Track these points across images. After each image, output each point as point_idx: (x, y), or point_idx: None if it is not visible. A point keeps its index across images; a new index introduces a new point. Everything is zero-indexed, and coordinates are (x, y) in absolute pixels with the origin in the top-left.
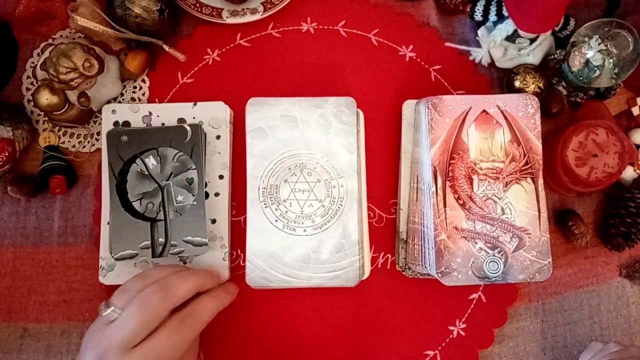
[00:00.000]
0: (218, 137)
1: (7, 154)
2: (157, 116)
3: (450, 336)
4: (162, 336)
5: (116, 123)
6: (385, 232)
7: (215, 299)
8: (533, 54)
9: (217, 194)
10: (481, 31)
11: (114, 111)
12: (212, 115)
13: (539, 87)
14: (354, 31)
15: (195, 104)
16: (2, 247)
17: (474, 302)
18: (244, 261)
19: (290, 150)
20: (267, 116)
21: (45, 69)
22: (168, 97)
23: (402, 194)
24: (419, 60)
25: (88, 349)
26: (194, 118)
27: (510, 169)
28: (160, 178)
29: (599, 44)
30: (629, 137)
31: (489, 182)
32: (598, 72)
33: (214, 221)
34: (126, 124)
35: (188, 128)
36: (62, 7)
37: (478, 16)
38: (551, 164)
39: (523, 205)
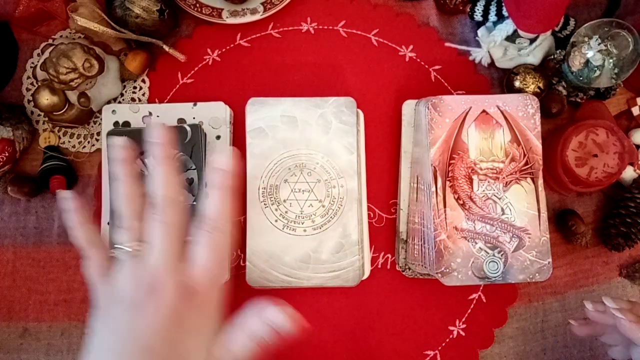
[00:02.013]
0: (218, 137)
1: (7, 154)
2: (157, 116)
3: (450, 336)
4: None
5: (116, 123)
6: (385, 232)
7: (226, 200)
8: (533, 54)
9: None
10: (481, 31)
11: (114, 111)
12: (212, 115)
13: (539, 87)
14: (354, 31)
15: (195, 104)
16: (2, 247)
17: (474, 302)
18: (244, 261)
19: (290, 150)
20: (267, 116)
21: (45, 69)
22: (168, 97)
23: (402, 194)
24: (419, 60)
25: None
26: (194, 118)
27: (510, 169)
28: None
29: (599, 44)
30: (629, 137)
31: (488, 182)
32: (598, 72)
33: None
34: (126, 124)
35: (188, 128)
36: (62, 7)
37: (478, 16)
38: (551, 164)
39: (523, 205)
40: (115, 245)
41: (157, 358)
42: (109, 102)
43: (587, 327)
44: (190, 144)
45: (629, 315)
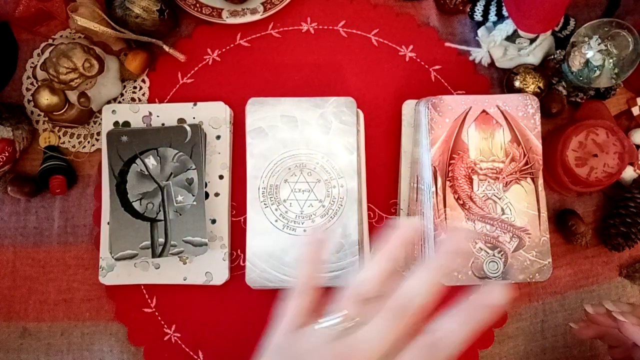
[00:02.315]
0: (218, 137)
1: (7, 154)
2: (157, 116)
3: None
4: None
5: (116, 123)
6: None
7: (469, 322)
8: (533, 54)
9: (217, 194)
10: (481, 31)
11: (114, 111)
12: (212, 115)
13: (539, 87)
14: (354, 31)
15: (195, 104)
16: (2, 247)
17: None
18: (244, 261)
19: (290, 150)
20: (267, 116)
21: (45, 69)
22: (168, 97)
23: (402, 194)
24: (419, 60)
25: None
26: (194, 118)
27: (510, 169)
28: (160, 178)
29: (599, 44)
30: (629, 137)
31: (489, 182)
32: (598, 72)
33: (214, 221)
34: (126, 124)
35: (188, 128)
36: (62, 7)
37: (478, 16)
38: (551, 164)
39: (523, 205)
40: (332, 315)
41: None
42: (109, 102)
43: (589, 329)
44: (190, 144)
45: (632, 318)
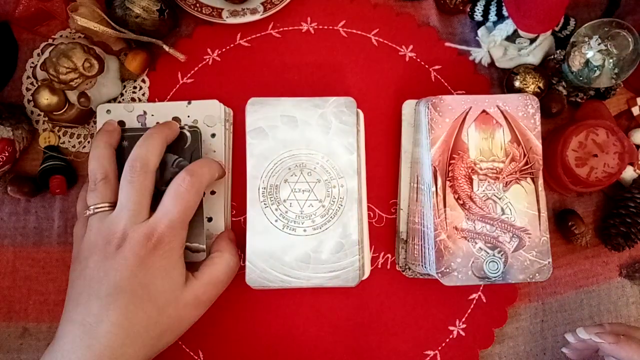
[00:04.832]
0: (213, 135)
1: (7, 154)
2: (152, 115)
3: (450, 336)
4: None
5: None
6: (385, 232)
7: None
8: (533, 54)
9: (212, 192)
10: (481, 31)
11: (108, 111)
12: (207, 113)
13: (539, 87)
14: (354, 31)
15: (189, 103)
16: (2, 247)
17: (474, 302)
18: (243, 261)
19: (290, 150)
20: (267, 116)
21: (45, 69)
22: (168, 97)
23: (402, 194)
24: (419, 60)
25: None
26: (188, 117)
27: (510, 169)
28: (160, 184)
29: (599, 44)
30: (629, 137)
31: (489, 182)
32: (598, 72)
33: (210, 219)
34: (121, 123)
35: (188, 134)
36: (62, 7)
37: (478, 16)
38: (551, 164)
39: (523, 205)
40: (88, 206)
41: (130, 298)
42: (109, 102)
43: (580, 352)
44: (190, 150)
45: (608, 338)
